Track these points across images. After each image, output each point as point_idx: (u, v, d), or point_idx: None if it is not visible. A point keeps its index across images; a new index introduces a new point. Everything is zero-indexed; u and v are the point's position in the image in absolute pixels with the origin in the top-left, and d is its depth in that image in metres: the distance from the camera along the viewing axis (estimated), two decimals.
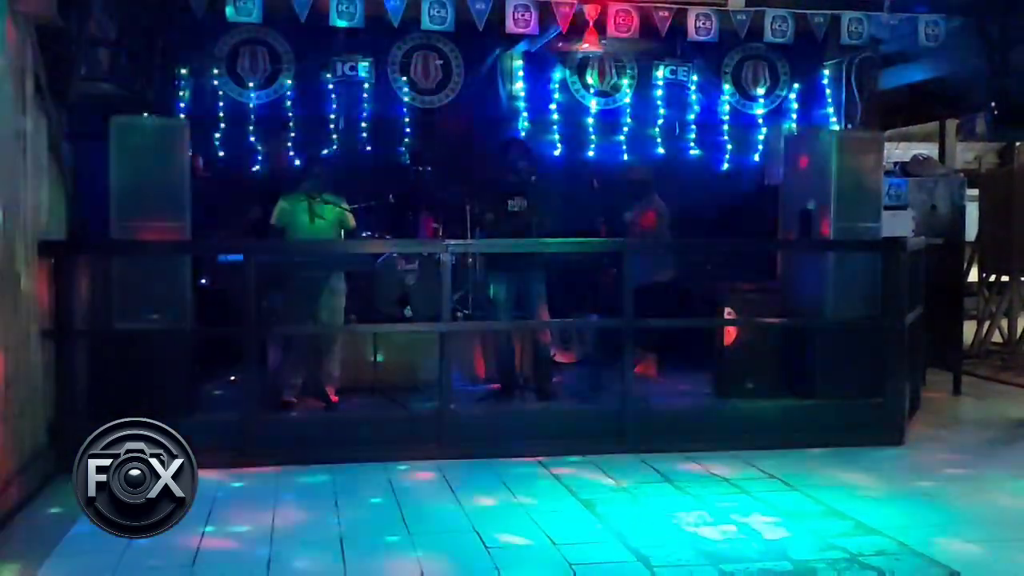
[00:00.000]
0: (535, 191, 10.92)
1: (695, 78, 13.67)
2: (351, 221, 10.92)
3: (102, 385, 9.43)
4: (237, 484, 8.59)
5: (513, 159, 11.04)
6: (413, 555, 6.91)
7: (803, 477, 8.84)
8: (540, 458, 9.40)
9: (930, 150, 17.22)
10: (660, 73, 13.57)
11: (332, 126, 12.78)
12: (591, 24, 11.07)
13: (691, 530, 7.41)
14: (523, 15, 10.54)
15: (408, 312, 11.50)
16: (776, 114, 13.98)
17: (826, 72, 13.82)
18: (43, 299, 8.70)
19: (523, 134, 13.12)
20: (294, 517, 7.76)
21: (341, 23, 10.38)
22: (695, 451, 9.62)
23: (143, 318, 9.38)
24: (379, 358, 11.07)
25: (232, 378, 11.09)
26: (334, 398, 10.58)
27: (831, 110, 13.85)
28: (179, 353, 9.64)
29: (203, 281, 11.46)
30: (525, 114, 13.32)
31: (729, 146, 13.89)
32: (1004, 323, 15.61)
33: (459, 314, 11.64)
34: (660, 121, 13.64)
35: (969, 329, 15.19)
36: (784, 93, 13.94)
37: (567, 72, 13.43)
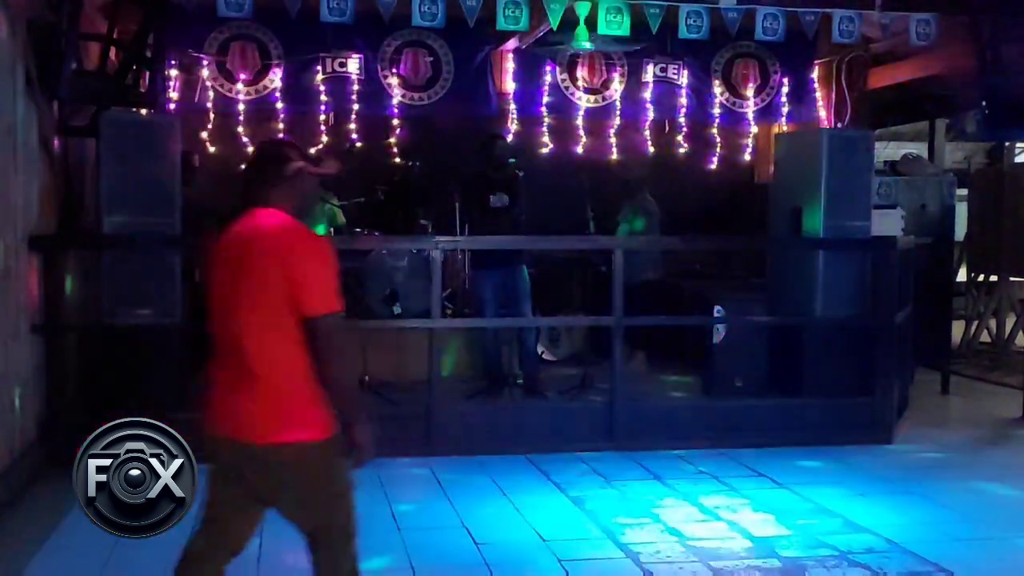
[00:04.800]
0: (520, 187, 10.90)
1: (685, 76, 13.68)
2: (341, 217, 10.93)
3: (92, 380, 9.43)
4: None
5: (498, 155, 11.01)
6: (403, 551, 6.92)
7: (792, 475, 8.87)
8: (529, 455, 9.41)
9: (919, 149, 17.23)
10: (650, 71, 13.58)
11: (322, 122, 12.77)
12: (582, 21, 11.08)
13: (680, 527, 7.43)
14: (513, 12, 10.52)
15: (397, 309, 11.49)
16: (766, 112, 13.98)
17: (816, 70, 13.85)
18: (33, 294, 8.69)
19: (512, 131, 13.13)
20: None
21: (332, 19, 10.37)
22: (684, 449, 9.65)
23: (133, 313, 9.35)
24: (368, 355, 11.06)
25: None
26: None
27: (821, 109, 13.89)
28: (169, 348, 9.62)
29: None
30: (515, 111, 13.32)
31: (719, 144, 13.90)
32: (992, 323, 15.65)
33: (447, 311, 11.63)
34: (650, 119, 13.65)
35: (957, 329, 15.24)
36: (774, 91, 13.95)
37: (557, 69, 13.42)
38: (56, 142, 9.51)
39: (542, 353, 11.94)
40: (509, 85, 13.33)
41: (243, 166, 5.12)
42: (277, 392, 4.57)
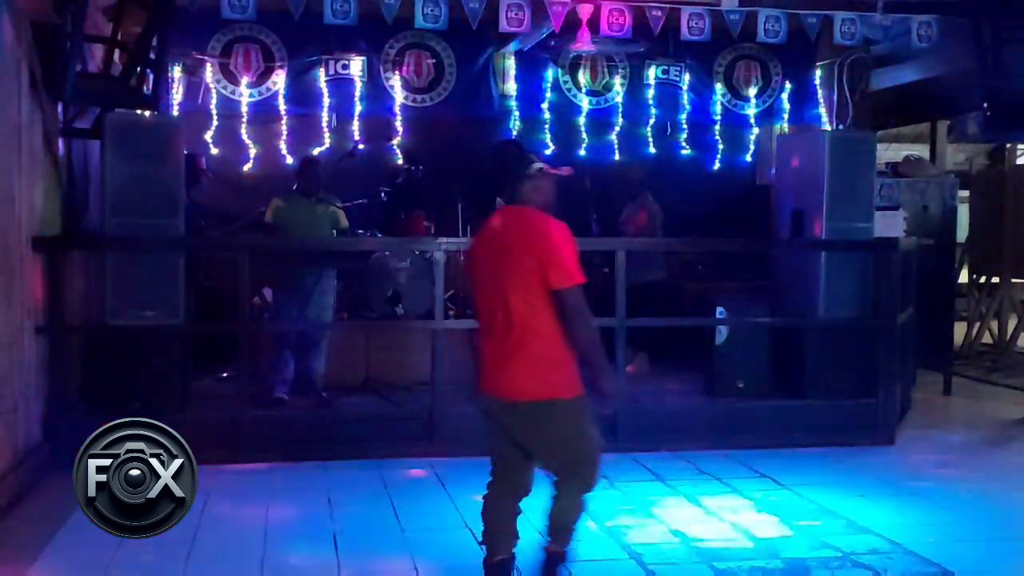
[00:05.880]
0: None
1: (687, 78, 13.71)
2: (344, 220, 10.92)
3: (96, 381, 9.44)
4: (230, 481, 8.59)
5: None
6: (407, 552, 6.93)
7: (794, 476, 8.86)
8: None
9: (921, 151, 17.26)
10: (652, 73, 13.62)
11: (324, 124, 12.80)
12: (584, 23, 11.10)
13: (683, 528, 7.44)
14: (516, 14, 10.53)
15: (399, 310, 11.50)
16: (768, 114, 14.02)
17: (818, 72, 13.87)
18: (37, 295, 8.70)
19: (515, 133, 13.15)
20: (287, 514, 7.78)
21: (335, 21, 10.37)
22: (686, 450, 9.64)
23: (137, 314, 9.35)
24: (371, 356, 11.07)
25: (224, 375, 11.11)
26: (323, 395, 10.54)
27: (823, 110, 13.92)
28: (172, 349, 9.63)
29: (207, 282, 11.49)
30: (517, 113, 13.35)
31: (721, 146, 13.93)
32: (994, 324, 15.66)
33: (450, 312, 11.63)
34: (652, 121, 13.68)
35: (959, 330, 15.23)
36: (776, 93, 13.98)
37: (559, 71, 13.45)
38: (60, 143, 9.52)
39: None
40: (511, 87, 13.36)
41: (489, 167, 6.06)
42: (537, 358, 5.53)
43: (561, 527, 5.92)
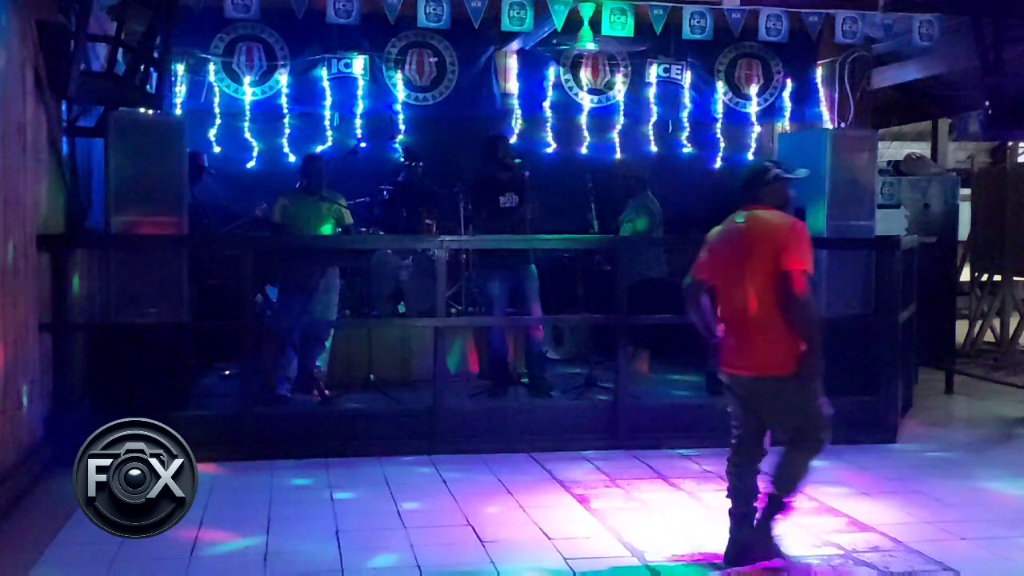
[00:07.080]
0: (528, 187, 10.93)
1: (688, 76, 13.72)
2: (349, 217, 10.95)
3: (99, 378, 9.45)
4: (232, 477, 8.61)
5: (503, 155, 11.04)
6: (408, 548, 6.94)
7: None
8: (533, 453, 9.43)
9: (922, 149, 17.26)
10: (653, 71, 13.63)
11: (327, 122, 12.81)
12: (586, 22, 11.12)
13: (686, 526, 7.45)
14: (518, 13, 10.55)
15: (402, 308, 11.52)
16: (769, 112, 14.03)
17: (819, 70, 13.88)
18: (41, 292, 8.72)
19: (516, 131, 13.18)
20: (290, 510, 7.78)
21: (338, 20, 10.39)
22: (688, 448, 9.65)
23: (140, 312, 9.37)
24: (373, 353, 11.09)
25: (227, 372, 11.14)
26: (326, 392, 10.56)
27: (824, 108, 13.94)
28: (176, 347, 9.64)
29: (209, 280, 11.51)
30: (519, 111, 13.36)
31: (722, 144, 13.93)
32: (996, 322, 15.66)
33: (452, 310, 11.64)
34: (653, 119, 13.69)
35: (961, 328, 15.25)
36: (777, 91, 13.99)
37: (561, 70, 13.46)
38: (64, 142, 9.54)
39: (546, 352, 11.95)
40: (513, 85, 13.39)
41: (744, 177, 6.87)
42: (776, 338, 6.30)
43: (786, 476, 6.50)
